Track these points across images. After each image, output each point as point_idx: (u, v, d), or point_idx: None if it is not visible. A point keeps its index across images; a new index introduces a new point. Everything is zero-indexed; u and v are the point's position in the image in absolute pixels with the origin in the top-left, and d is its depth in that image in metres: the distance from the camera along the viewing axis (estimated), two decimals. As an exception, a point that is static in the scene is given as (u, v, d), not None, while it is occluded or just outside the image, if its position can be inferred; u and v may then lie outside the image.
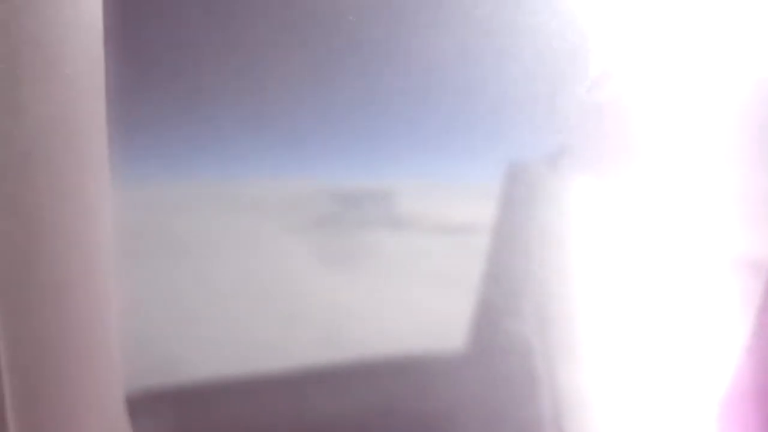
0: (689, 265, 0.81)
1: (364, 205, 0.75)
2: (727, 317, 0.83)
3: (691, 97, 0.78)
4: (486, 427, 0.82)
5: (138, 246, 0.70)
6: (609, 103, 0.77)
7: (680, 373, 0.83)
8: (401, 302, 0.76)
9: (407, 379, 0.77)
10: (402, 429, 0.79)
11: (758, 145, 0.80)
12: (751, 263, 0.82)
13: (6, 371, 0.56)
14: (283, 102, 0.72)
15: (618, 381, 0.84)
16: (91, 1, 0.56)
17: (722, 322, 0.83)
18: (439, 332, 0.79)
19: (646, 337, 0.82)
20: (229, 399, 0.74)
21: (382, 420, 0.78)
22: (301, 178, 0.73)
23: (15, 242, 0.55)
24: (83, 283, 0.57)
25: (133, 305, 0.70)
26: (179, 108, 0.70)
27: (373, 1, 0.71)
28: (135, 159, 0.69)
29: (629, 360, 0.83)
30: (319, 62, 0.72)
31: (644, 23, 0.76)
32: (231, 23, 0.70)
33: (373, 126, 0.74)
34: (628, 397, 0.84)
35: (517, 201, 0.77)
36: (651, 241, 0.80)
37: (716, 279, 0.82)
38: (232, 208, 0.72)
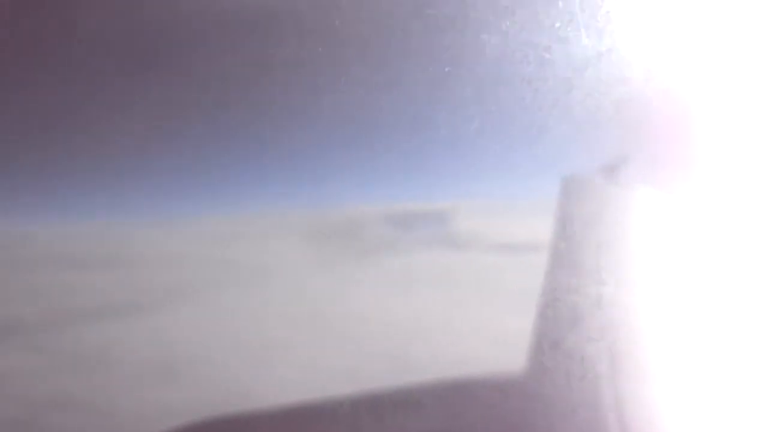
0: (757, 274, 0.79)
1: (422, 227, 0.74)
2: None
3: (750, 102, 0.77)
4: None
5: (200, 278, 0.68)
6: (664, 112, 0.76)
7: (750, 385, 0.82)
8: (464, 323, 0.74)
9: (471, 400, 0.75)
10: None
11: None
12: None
13: None
14: (334, 129, 0.71)
15: (688, 400, 0.82)
16: None
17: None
18: (502, 352, 0.77)
19: (716, 351, 0.80)
20: (296, 426, 0.72)
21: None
22: (357, 204, 0.72)
23: None
24: None
25: (199, 337, 0.68)
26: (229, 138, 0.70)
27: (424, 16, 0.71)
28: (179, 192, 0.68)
29: (698, 377, 0.81)
30: (372, 86, 0.71)
31: (703, 30, 0.76)
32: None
33: (427, 147, 0.73)
34: (698, 417, 0.82)
35: (576, 215, 0.76)
36: (715, 251, 0.79)
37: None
38: (292, 238, 0.70)
